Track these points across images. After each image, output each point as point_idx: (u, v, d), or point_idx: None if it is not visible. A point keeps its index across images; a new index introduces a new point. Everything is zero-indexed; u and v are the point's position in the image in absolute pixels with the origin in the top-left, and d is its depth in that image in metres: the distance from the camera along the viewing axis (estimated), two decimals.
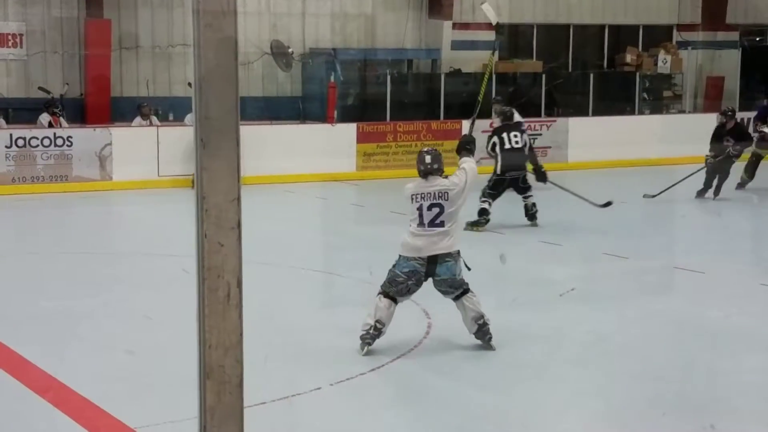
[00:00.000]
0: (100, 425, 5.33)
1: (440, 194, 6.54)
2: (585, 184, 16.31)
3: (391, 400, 5.84)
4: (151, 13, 17.36)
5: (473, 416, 5.49)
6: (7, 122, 15.36)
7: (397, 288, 6.51)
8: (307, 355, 6.60)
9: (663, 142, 18.23)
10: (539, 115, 18.66)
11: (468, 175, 6.68)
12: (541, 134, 18.01)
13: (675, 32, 21.66)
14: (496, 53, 11.43)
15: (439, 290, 6.59)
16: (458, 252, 6.55)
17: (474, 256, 9.98)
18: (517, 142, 11.98)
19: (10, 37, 16.47)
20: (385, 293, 6.52)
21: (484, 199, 11.44)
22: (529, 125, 17.95)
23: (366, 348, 6.43)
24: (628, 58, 20.57)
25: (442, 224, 6.48)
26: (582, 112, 19.23)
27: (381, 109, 17.64)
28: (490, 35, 19.65)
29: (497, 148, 11.84)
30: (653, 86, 20.44)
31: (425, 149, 7.04)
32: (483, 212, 11.43)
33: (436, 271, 6.45)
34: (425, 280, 6.52)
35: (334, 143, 16.29)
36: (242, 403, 1.85)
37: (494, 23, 8.92)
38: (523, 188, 11.76)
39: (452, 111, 18.06)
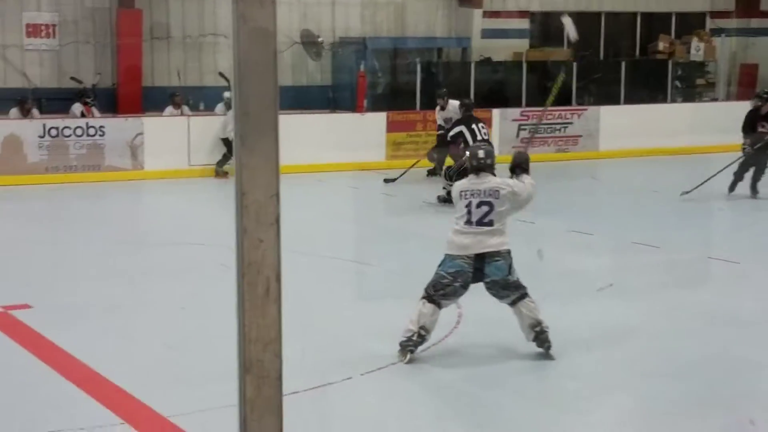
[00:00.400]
0: (133, 414, 5.38)
1: (491, 192, 6.23)
2: (616, 173, 16.26)
3: (421, 390, 5.85)
4: (182, 3, 17.44)
5: (501, 408, 5.48)
6: (40, 112, 15.50)
7: (443, 291, 6.16)
8: (338, 345, 6.62)
9: (695, 130, 18.08)
10: (570, 104, 18.56)
11: (527, 189, 6.38)
12: (572, 123, 17.92)
13: (708, 19, 21.43)
14: (561, 74, 11.32)
15: (493, 294, 6.23)
16: (509, 252, 6.18)
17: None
18: (485, 134, 12.22)
19: (43, 28, 16.60)
20: (429, 297, 6.18)
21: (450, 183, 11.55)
22: (560, 114, 17.90)
23: (408, 356, 6.09)
24: (661, 45, 20.39)
25: (490, 223, 6.15)
26: (614, 100, 19.09)
27: (411, 97, 17.62)
28: (521, 23, 19.60)
29: (469, 140, 11.81)
30: (686, 74, 20.26)
31: (477, 144, 6.76)
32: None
33: (485, 271, 6.10)
34: (473, 282, 6.16)
35: (363, 132, 16.29)
36: (281, 396, 1.87)
37: (573, 40, 8.85)
38: None
39: (482, 100, 18.00)
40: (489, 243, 6.13)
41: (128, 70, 16.76)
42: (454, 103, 14.01)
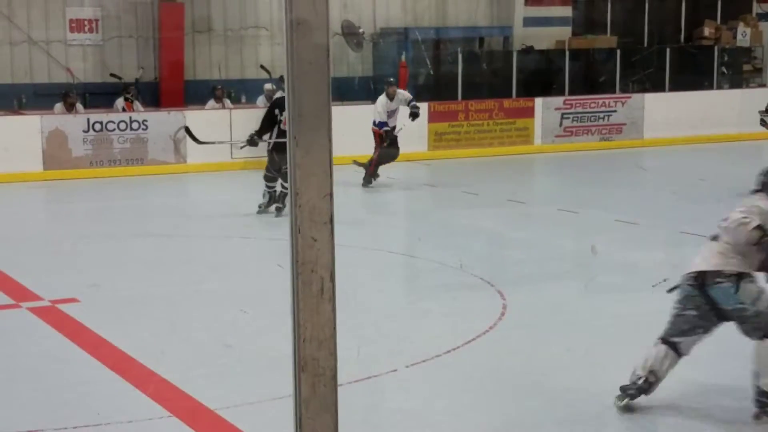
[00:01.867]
0: (179, 406, 5.41)
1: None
2: (662, 162, 16.08)
3: (466, 382, 5.82)
4: None
5: (549, 399, 5.45)
6: (85, 107, 15.67)
7: (677, 328, 5.15)
8: (383, 336, 6.62)
9: (743, 118, 17.81)
10: (614, 91, 18.39)
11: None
12: (615, 111, 17.75)
13: (755, 4, 21.09)
14: None
15: (739, 329, 5.13)
16: (738, 275, 4.96)
17: (550, 238, 9.94)
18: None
19: (86, 23, 16.76)
20: (664, 338, 5.21)
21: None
22: (604, 102, 17.74)
23: (625, 400, 5.19)
24: (706, 31, 20.12)
25: (716, 238, 5.18)
26: (658, 87, 18.88)
27: (452, 87, 17.57)
28: (564, 11, 19.45)
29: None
30: (732, 60, 19.96)
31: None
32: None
33: (711, 295, 5.02)
34: (714, 313, 5.07)
35: (405, 123, 16.24)
36: (336, 394, 1.87)
37: None
38: None
39: (525, 89, 17.90)
40: (709, 261, 5.09)
41: (170, 64, 16.88)
42: (402, 93, 13.90)
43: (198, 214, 12.60)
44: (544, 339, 6.55)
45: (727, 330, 5.23)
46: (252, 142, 11.25)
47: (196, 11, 17.26)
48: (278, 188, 11.05)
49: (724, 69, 19.70)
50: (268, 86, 15.83)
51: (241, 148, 12.73)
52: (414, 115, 13.63)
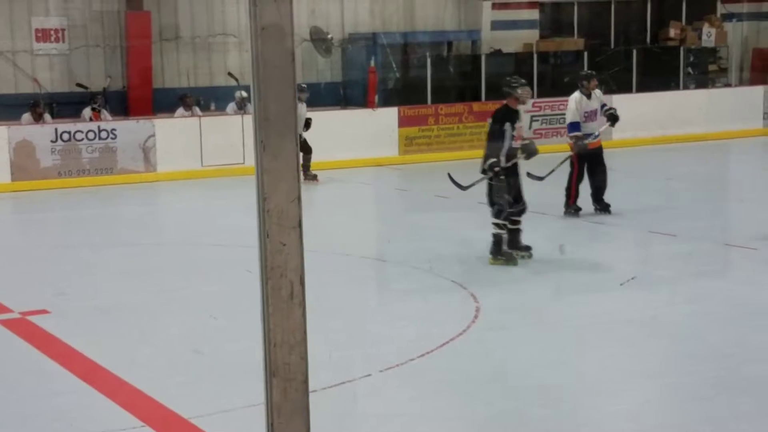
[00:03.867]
0: (153, 416, 5.38)
1: None
2: (629, 162, 16.18)
3: (441, 385, 5.83)
4: (190, 4, 17.45)
5: (524, 399, 5.47)
6: (52, 117, 15.55)
7: None
8: (356, 342, 6.62)
9: (709, 117, 18.00)
10: None
11: None
12: None
13: (719, 4, 21.30)
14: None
15: None
16: None
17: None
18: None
19: (52, 32, 16.64)
20: None
21: None
22: None
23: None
24: (672, 32, 20.29)
25: None
26: (626, 88, 19.01)
27: (422, 92, 17.60)
28: (530, 14, 19.54)
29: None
30: (698, 60, 20.15)
31: None
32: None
33: None
34: None
35: (375, 128, 16.28)
36: (308, 398, 1.86)
37: None
38: None
39: (494, 92, 17.94)
40: None
41: (138, 72, 16.79)
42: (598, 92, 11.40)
43: (169, 222, 12.55)
44: (517, 340, 6.57)
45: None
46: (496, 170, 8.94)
47: (163, 19, 17.18)
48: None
49: (689, 69, 19.88)
50: (238, 93, 15.79)
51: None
52: (613, 118, 10.98)
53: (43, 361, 6.36)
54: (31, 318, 7.33)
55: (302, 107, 13.79)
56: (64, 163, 14.59)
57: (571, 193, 10.45)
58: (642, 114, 17.81)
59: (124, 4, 16.82)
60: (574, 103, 10.67)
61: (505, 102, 9.06)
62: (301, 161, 13.28)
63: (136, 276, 8.92)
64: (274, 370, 1.78)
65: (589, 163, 10.50)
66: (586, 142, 10.45)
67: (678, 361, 6.11)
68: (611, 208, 10.31)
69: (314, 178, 14.10)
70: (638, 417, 5.23)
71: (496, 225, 8.67)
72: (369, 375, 5.86)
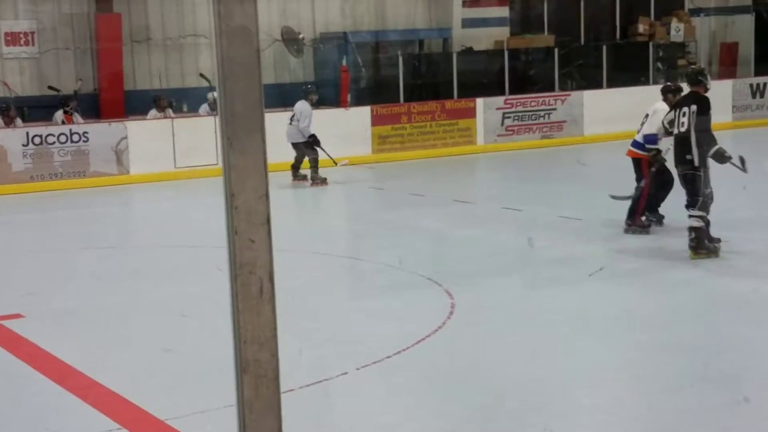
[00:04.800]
0: (129, 418, 5.37)
1: None
2: (602, 158, 16.29)
3: (417, 382, 5.85)
4: (161, 6, 17.38)
5: (499, 394, 5.50)
6: (23, 120, 15.44)
7: None
8: (333, 340, 6.62)
9: None
10: (553, 90, 18.59)
11: None
12: (555, 109, 17.96)
13: (687, 0, 21.49)
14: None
15: None
16: None
17: (495, 236, 10.03)
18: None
19: (22, 36, 16.52)
20: None
21: None
22: (544, 100, 17.93)
23: None
24: (641, 28, 20.44)
25: None
26: (596, 84, 19.13)
27: (394, 90, 17.63)
28: (501, 11, 19.61)
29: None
30: (667, 55, 20.31)
31: None
32: None
33: None
34: None
35: (348, 127, 16.29)
36: (279, 395, 1.87)
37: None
38: None
39: (466, 90, 18.02)
40: None
41: (109, 74, 16.70)
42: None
43: (142, 224, 12.50)
44: (493, 335, 6.61)
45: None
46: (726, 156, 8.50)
47: (133, 21, 17.11)
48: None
49: (659, 64, 20.04)
50: (211, 95, 15.74)
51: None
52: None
53: (18, 365, 6.33)
54: (5, 322, 7.28)
55: (304, 105, 13.81)
56: (36, 166, 14.49)
57: (639, 208, 9.66)
58: (612, 109, 17.93)
59: (94, 6, 16.73)
60: (662, 115, 9.64)
61: (693, 90, 8.87)
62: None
63: (110, 278, 8.89)
64: (244, 367, 1.79)
65: (657, 172, 9.84)
66: (664, 156, 9.76)
67: (651, 354, 6.17)
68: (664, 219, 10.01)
69: (304, 178, 14.14)
70: (612, 409, 5.28)
71: (698, 218, 8.37)
72: (345, 373, 5.87)
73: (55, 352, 6.51)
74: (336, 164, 14.18)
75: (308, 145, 13.85)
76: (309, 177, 13.93)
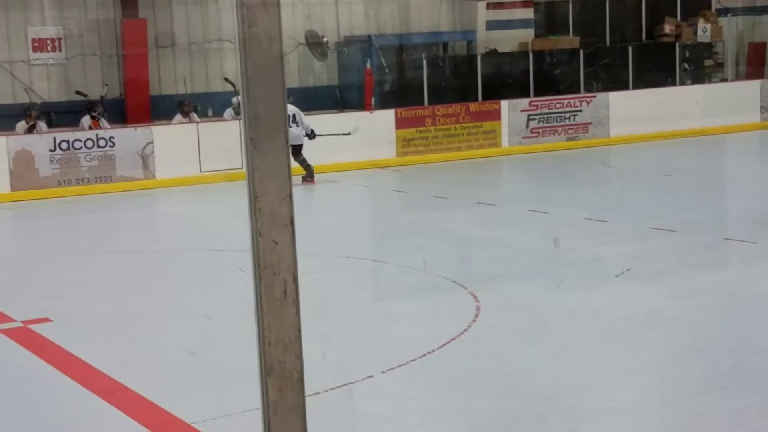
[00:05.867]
0: (154, 421, 5.39)
1: None
2: (628, 159, 16.21)
3: (442, 385, 5.84)
4: (186, 11, 17.48)
5: (526, 396, 5.47)
6: (50, 126, 15.57)
7: None
8: (358, 343, 6.62)
9: (706, 112, 18.02)
10: (578, 92, 18.52)
11: None
12: (581, 110, 17.88)
13: (714, 0, 21.34)
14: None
15: None
16: None
17: (520, 238, 9.99)
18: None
19: (49, 42, 16.66)
20: None
21: None
22: (569, 102, 17.86)
23: None
24: (667, 28, 20.32)
25: None
26: (622, 85, 19.03)
27: (418, 93, 17.62)
28: (525, 13, 19.57)
29: None
30: (694, 56, 20.18)
31: None
32: None
33: None
34: None
35: (373, 130, 16.30)
36: (304, 397, 1.87)
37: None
38: None
39: (490, 92, 17.99)
40: None
41: (135, 80, 16.82)
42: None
43: (168, 228, 12.56)
44: (518, 338, 6.58)
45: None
46: None
47: (158, 26, 17.21)
48: None
49: (686, 65, 19.91)
50: (235, 99, 15.81)
51: None
52: None
53: (45, 370, 6.37)
54: (33, 326, 7.33)
55: (293, 106, 13.92)
56: (63, 172, 14.60)
57: None
58: (639, 110, 17.85)
59: (120, 11, 16.84)
60: None
61: None
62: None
63: (137, 282, 8.93)
64: (269, 369, 1.79)
65: None
66: None
67: (677, 356, 6.11)
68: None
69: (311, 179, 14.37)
70: (637, 412, 5.24)
71: None
72: (370, 376, 5.86)
73: (82, 355, 6.55)
74: (351, 134, 14.39)
75: (296, 150, 14.01)
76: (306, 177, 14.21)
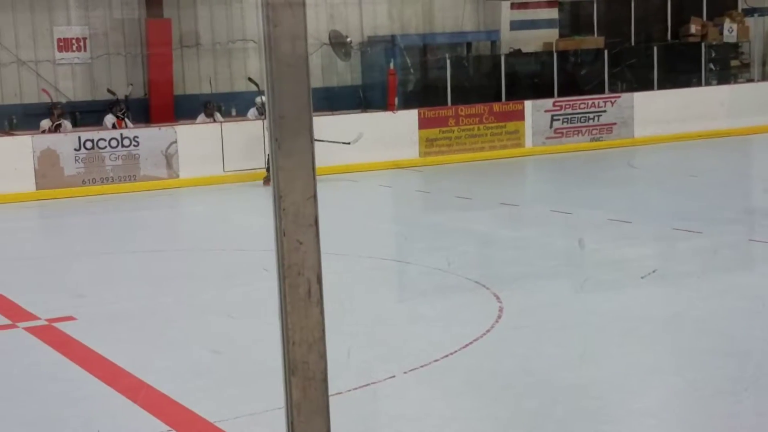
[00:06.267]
0: (178, 420, 5.41)
1: None
2: (653, 160, 16.12)
3: (464, 386, 5.82)
4: (210, 10, 17.54)
5: (549, 398, 5.45)
6: (75, 125, 15.66)
7: None
8: (380, 343, 6.62)
9: (732, 113, 17.89)
10: (603, 92, 18.44)
11: None
12: (605, 111, 17.80)
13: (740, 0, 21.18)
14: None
15: None
16: None
17: (543, 239, 9.96)
18: None
19: (74, 41, 16.77)
20: None
21: None
22: (594, 102, 17.79)
23: None
24: (693, 28, 20.18)
25: None
26: (647, 86, 18.93)
27: (442, 93, 17.60)
28: (550, 13, 19.51)
29: None
30: (720, 56, 20.03)
31: None
32: None
33: None
34: None
35: (396, 130, 16.30)
36: (327, 397, 1.87)
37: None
38: None
39: (514, 92, 17.94)
40: None
41: (159, 79, 16.89)
42: None
43: (191, 227, 12.61)
44: (541, 340, 6.56)
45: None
46: None
47: (183, 26, 17.28)
48: None
49: (711, 65, 19.77)
50: (259, 99, 15.85)
51: None
52: None
53: (70, 368, 6.41)
54: (57, 324, 7.38)
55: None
56: (88, 170, 14.69)
57: None
58: (664, 110, 17.74)
59: (145, 11, 16.93)
60: None
61: None
62: None
63: (160, 281, 8.97)
64: (293, 368, 1.79)
65: None
66: None
67: (701, 357, 6.07)
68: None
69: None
70: (661, 414, 5.21)
71: None
72: (393, 376, 5.86)
73: (106, 353, 6.58)
74: (351, 143, 14.33)
75: None
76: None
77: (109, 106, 15.69)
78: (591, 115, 17.65)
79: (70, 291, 8.60)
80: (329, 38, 17.50)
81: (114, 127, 15.25)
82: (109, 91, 16.29)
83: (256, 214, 11.44)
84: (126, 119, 15.49)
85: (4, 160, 14.19)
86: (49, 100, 15.95)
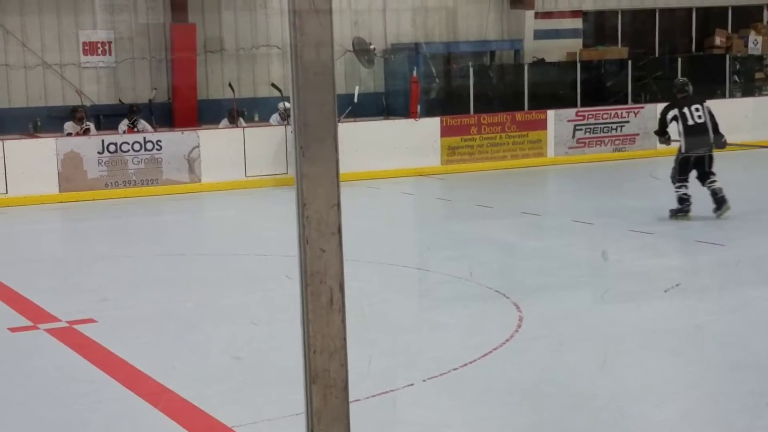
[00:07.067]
0: (197, 425, 5.42)
1: None
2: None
3: (483, 395, 5.80)
4: (234, 16, 17.61)
5: (568, 408, 5.43)
6: (99, 128, 15.74)
7: None
8: (400, 351, 6.61)
9: (756, 125, 17.75)
10: (626, 102, 18.35)
11: None
12: (628, 122, 17.72)
13: (765, 12, 21.05)
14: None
15: None
16: None
17: (564, 249, 9.93)
18: (700, 117, 11.23)
19: (99, 45, 16.89)
20: None
21: (678, 185, 10.79)
22: (616, 113, 17.71)
23: None
24: (717, 40, 20.08)
25: None
26: (671, 97, 18.80)
27: (464, 102, 17.58)
28: (574, 23, 19.46)
29: (680, 125, 11.02)
30: (744, 68, 19.90)
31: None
32: (683, 200, 10.78)
33: None
34: None
35: (418, 138, 16.29)
36: (348, 405, 1.87)
37: None
38: (708, 172, 10.97)
39: (537, 101, 17.89)
40: None
41: (183, 84, 16.97)
42: None
43: (213, 232, 12.64)
44: (561, 350, 6.53)
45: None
46: None
47: (207, 31, 17.36)
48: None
49: (736, 77, 19.64)
50: (282, 105, 15.89)
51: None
52: None
53: (90, 370, 6.43)
54: (78, 327, 7.42)
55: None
56: (111, 174, 14.77)
57: None
58: None
59: (170, 16, 17.02)
60: None
61: None
62: None
63: (181, 285, 9.00)
64: (314, 376, 1.79)
65: None
66: None
67: (723, 371, 6.03)
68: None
69: None
70: (682, 427, 5.17)
71: None
72: (411, 384, 5.85)
73: (127, 357, 6.60)
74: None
75: None
76: None
77: (127, 112, 15.75)
78: (614, 126, 17.58)
79: (92, 294, 8.64)
80: (353, 45, 17.52)
81: (124, 133, 15.29)
82: (121, 102, 16.38)
83: (277, 220, 11.45)
84: (137, 127, 15.47)
85: (29, 162, 14.29)
86: (81, 103, 16.05)
